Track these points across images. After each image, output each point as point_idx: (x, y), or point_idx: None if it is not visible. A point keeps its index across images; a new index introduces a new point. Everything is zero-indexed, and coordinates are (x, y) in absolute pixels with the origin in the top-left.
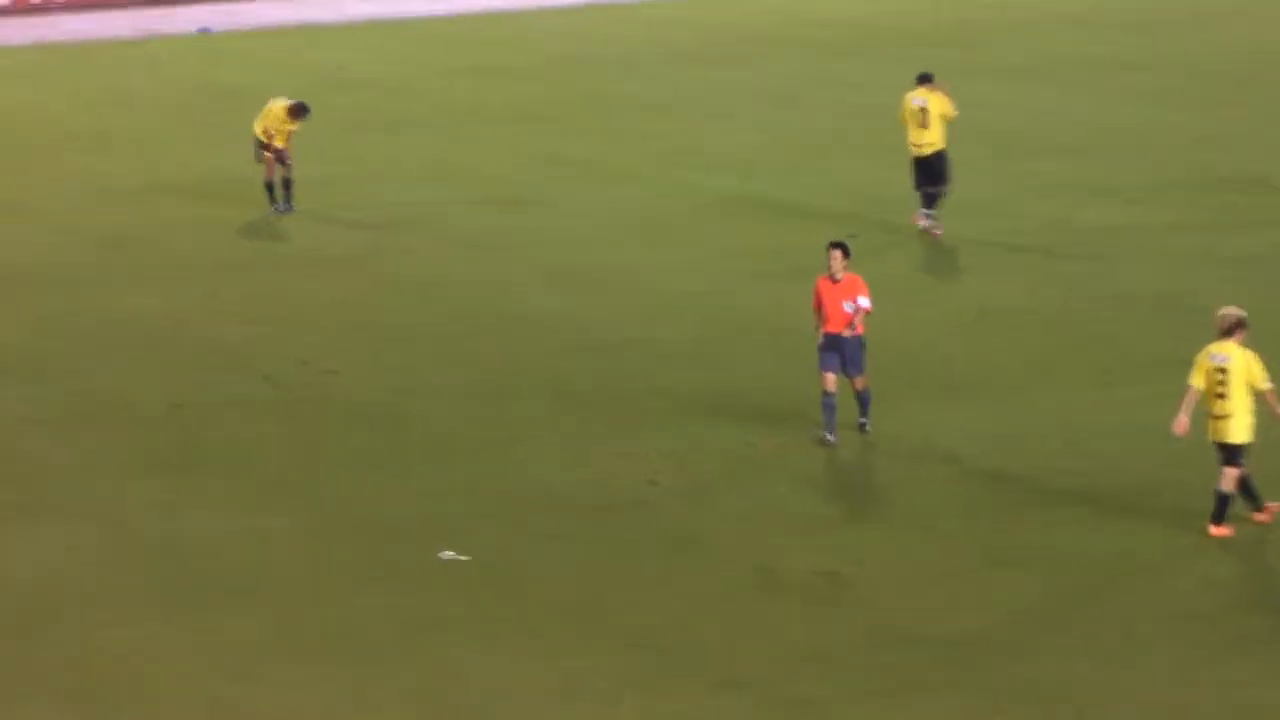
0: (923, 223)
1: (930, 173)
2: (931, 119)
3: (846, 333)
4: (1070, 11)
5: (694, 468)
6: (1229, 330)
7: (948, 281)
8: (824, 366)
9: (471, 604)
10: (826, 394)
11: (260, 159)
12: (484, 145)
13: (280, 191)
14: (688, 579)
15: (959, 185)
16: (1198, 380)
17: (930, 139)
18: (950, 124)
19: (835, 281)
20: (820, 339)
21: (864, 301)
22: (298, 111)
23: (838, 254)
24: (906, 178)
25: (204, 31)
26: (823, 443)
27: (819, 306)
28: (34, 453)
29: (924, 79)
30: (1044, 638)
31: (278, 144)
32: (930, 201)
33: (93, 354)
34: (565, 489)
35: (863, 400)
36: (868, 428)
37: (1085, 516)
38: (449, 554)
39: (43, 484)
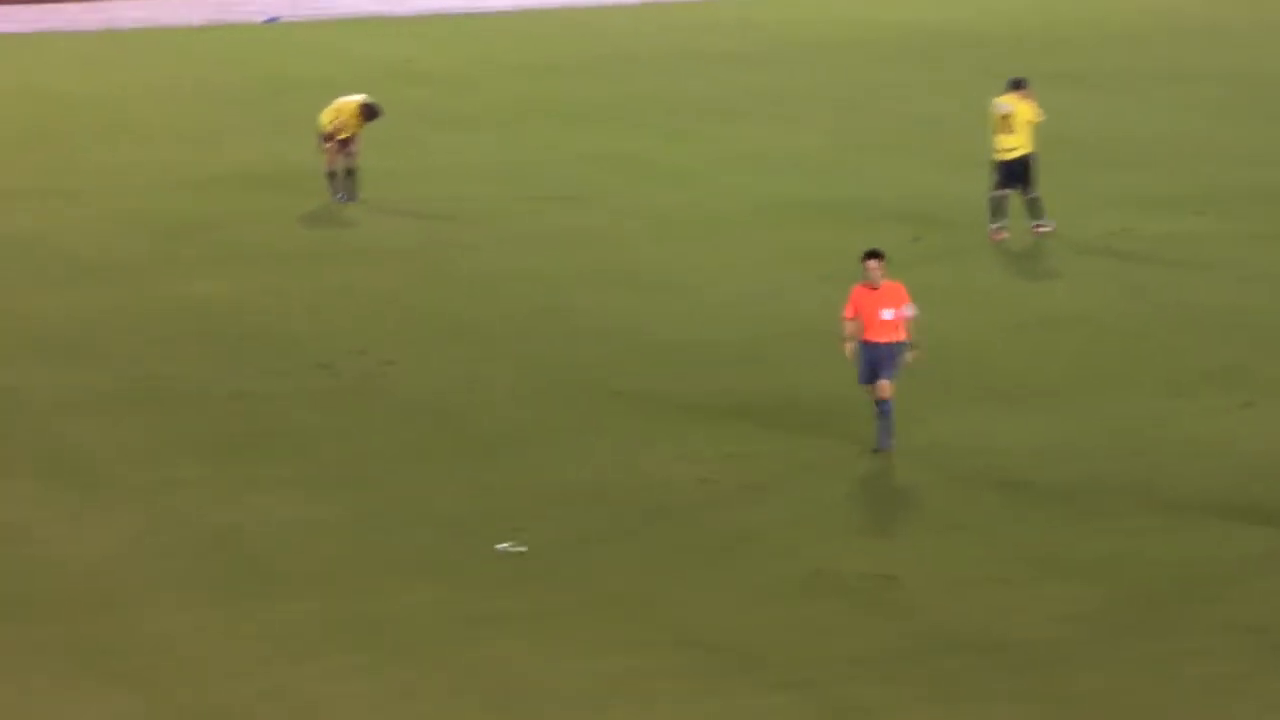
0: (1043, 229)
1: (1014, 176)
2: (1017, 124)
3: (910, 357)
4: (1132, 21)
5: (747, 469)
6: None
7: (1009, 288)
8: (864, 380)
9: (523, 599)
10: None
11: (322, 149)
12: (546, 142)
13: (343, 181)
14: (740, 580)
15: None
16: None
17: (1015, 143)
18: (1036, 128)
19: (874, 289)
20: (856, 347)
21: (909, 310)
22: (370, 113)
23: (874, 263)
24: (968, 184)
25: (272, 21)
26: (880, 451)
27: (855, 315)
28: (93, 437)
29: (1016, 84)
30: (1098, 647)
31: (342, 137)
32: (1033, 209)
33: (155, 341)
34: (618, 487)
35: (886, 410)
36: (892, 445)
37: (1142, 527)
38: (506, 545)
39: (101, 468)
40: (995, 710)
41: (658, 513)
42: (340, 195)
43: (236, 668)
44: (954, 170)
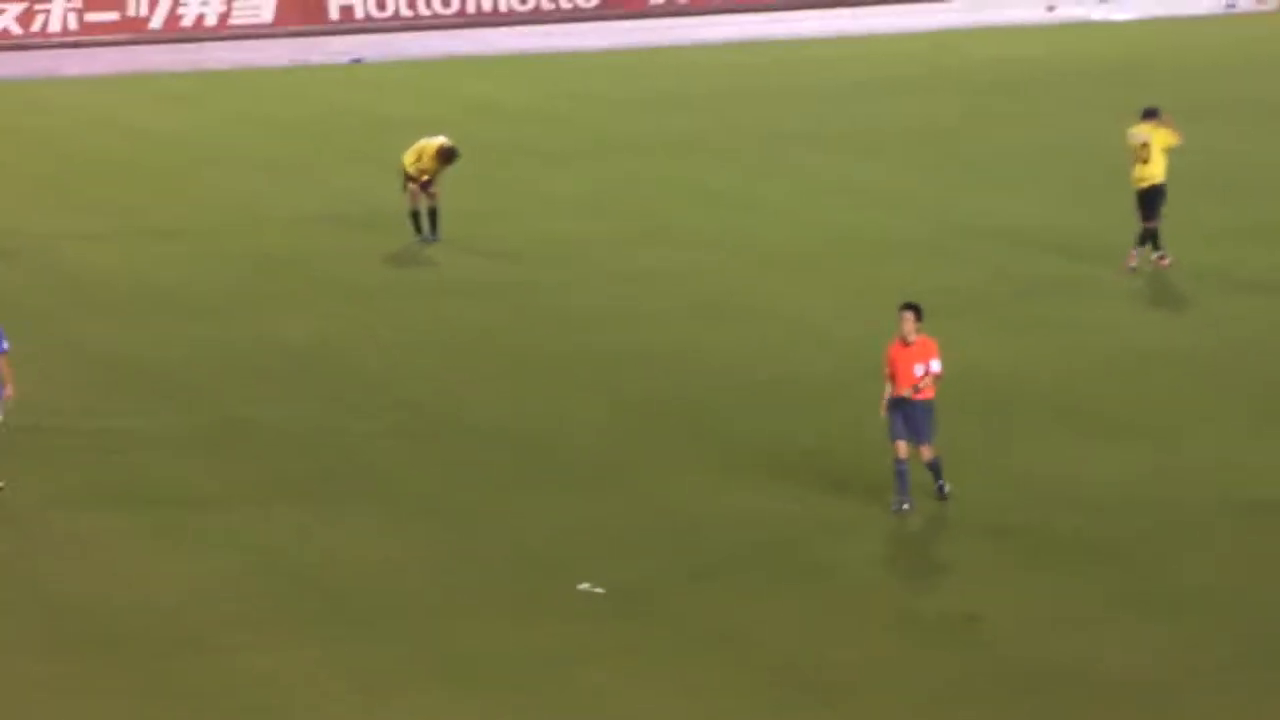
0: (1132, 265)
1: (1143, 206)
2: (1153, 153)
3: (908, 393)
4: (1227, 53)
5: (832, 506)
6: None
7: (1103, 323)
8: (894, 435)
9: (610, 635)
10: (898, 460)
11: (405, 189)
12: (632, 179)
13: (425, 221)
14: (829, 616)
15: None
16: None
17: (1148, 173)
18: (1172, 154)
19: (907, 344)
20: (887, 403)
21: (935, 366)
22: (448, 156)
23: (909, 315)
24: (1059, 215)
25: (356, 62)
26: (898, 512)
27: (892, 373)
28: (178, 475)
29: (1149, 114)
30: (1189, 680)
31: (424, 179)
32: (1143, 240)
33: (239, 378)
34: (707, 523)
35: (934, 468)
36: (946, 490)
37: (1232, 560)
38: (586, 586)
39: (188, 505)
40: None
41: (747, 549)
42: (423, 235)
43: (321, 707)
44: (1045, 202)
